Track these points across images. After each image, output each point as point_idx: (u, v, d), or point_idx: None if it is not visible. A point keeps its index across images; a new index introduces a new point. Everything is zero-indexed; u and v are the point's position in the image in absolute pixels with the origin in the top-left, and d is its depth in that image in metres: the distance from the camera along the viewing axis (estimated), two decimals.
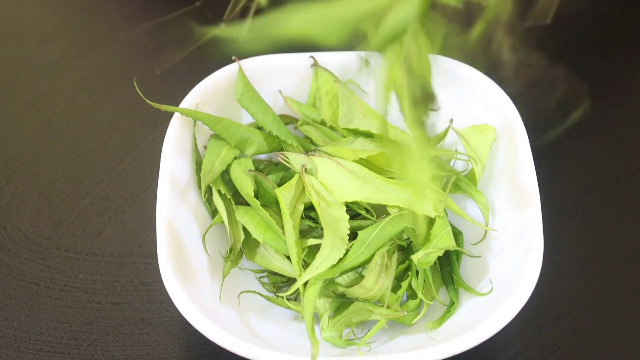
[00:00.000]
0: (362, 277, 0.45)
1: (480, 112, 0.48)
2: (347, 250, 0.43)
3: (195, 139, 0.47)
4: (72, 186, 0.54)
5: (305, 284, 0.43)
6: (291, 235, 0.43)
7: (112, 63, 0.62)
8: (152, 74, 0.61)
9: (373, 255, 0.44)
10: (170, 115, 0.47)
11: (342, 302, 0.45)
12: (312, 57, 0.50)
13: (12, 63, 0.62)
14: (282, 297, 0.45)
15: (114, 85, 0.60)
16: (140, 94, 0.46)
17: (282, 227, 0.44)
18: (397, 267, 0.45)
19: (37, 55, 0.63)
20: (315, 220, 0.46)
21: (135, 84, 0.46)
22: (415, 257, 0.43)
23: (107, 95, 0.60)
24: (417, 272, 0.45)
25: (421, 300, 0.44)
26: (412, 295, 0.45)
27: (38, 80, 0.60)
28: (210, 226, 0.46)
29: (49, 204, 0.53)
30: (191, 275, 0.44)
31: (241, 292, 0.45)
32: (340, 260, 0.42)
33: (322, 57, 0.50)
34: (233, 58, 0.49)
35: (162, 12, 0.64)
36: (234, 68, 0.49)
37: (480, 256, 0.46)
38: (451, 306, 0.44)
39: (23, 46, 0.63)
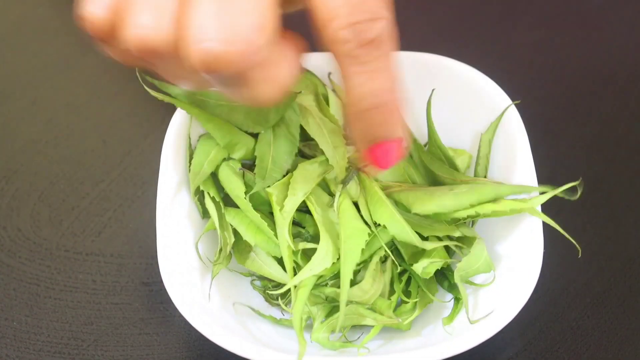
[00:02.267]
0: (356, 280, 0.44)
1: (480, 112, 0.48)
2: None
3: (190, 138, 0.47)
4: (72, 186, 0.54)
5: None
6: (283, 232, 0.43)
7: (112, 63, 0.62)
8: (152, 72, 0.61)
9: (372, 257, 0.44)
10: (170, 116, 0.47)
11: (334, 307, 0.44)
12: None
13: (12, 63, 0.62)
14: (278, 303, 0.45)
15: (114, 85, 0.60)
16: (144, 85, 0.45)
17: (273, 230, 0.44)
18: (392, 272, 0.45)
19: (37, 55, 0.63)
20: (301, 224, 0.46)
21: (138, 75, 0.46)
22: (418, 268, 0.43)
23: (107, 95, 0.60)
24: (409, 279, 0.45)
25: (415, 303, 0.44)
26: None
27: (38, 80, 0.60)
28: (203, 233, 0.46)
29: (49, 204, 0.53)
30: (191, 276, 0.44)
31: (234, 303, 0.45)
32: (334, 264, 0.42)
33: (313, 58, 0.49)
34: None
35: None
36: None
37: None
38: (458, 302, 0.44)
39: (23, 46, 0.63)
